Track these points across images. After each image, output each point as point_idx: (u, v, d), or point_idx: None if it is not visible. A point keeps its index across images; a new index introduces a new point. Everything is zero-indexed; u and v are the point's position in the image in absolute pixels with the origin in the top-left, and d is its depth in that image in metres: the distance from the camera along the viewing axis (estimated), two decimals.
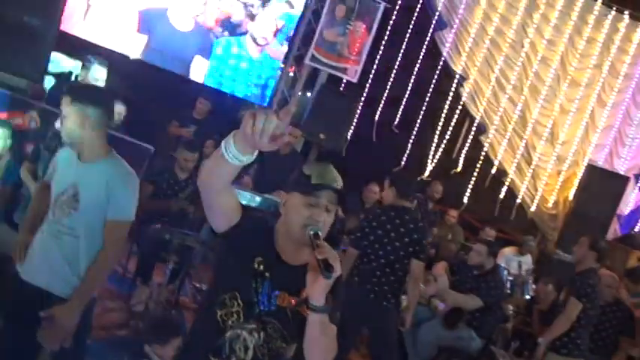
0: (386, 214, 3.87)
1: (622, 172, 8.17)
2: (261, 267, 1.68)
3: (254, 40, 7.02)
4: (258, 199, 5.07)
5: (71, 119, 2.42)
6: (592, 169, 7.78)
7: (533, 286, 6.44)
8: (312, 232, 1.61)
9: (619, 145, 8.30)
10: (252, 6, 6.89)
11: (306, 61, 7.17)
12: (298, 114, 7.03)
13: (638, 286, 4.79)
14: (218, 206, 1.67)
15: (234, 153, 1.43)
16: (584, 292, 4.15)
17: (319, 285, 1.55)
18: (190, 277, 4.90)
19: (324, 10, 7.01)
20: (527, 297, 6.25)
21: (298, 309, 1.67)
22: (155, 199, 4.52)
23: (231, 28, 6.93)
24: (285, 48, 7.21)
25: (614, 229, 8.17)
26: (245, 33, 7.00)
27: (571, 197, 8.03)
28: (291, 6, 7.10)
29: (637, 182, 8.36)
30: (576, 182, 8.08)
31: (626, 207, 8.31)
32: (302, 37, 7.29)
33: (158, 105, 6.24)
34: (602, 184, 7.62)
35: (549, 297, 6.12)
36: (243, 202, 4.84)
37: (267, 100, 7.28)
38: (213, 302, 1.72)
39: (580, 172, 8.08)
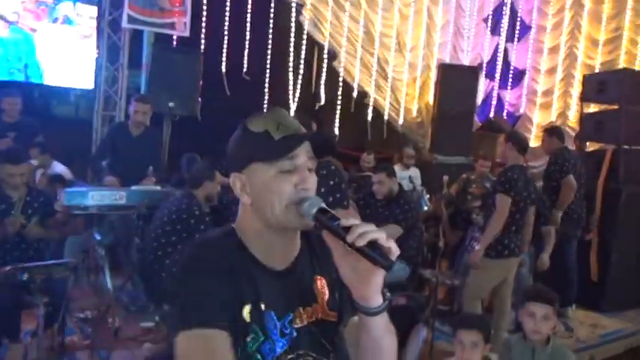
0: None
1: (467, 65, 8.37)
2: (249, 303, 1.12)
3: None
4: (123, 193, 4.22)
5: None
6: (444, 68, 7.83)
7: (427, 196, 6.38)
8: (314, 211, 1.07)
9: (459, 38, 8.45)
10: None
11: (124, 24, 6.11)
12: (135, 85, 6.04)
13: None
14: None
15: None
16: (509, 185, 3.99)
17: (375, 281, 1.07)
18: (70, 311, 3.96)
19: None
20: (425, 208, 6.14)
21: (324, 317, 1.21)
22: None
23: None
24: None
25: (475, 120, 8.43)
26: None
27: (431, 101, 8.07)
28: None
29: (481, 72, 8.65)
30: (432, 85, 8.12)
31: (478, 97, 8.59)
32: None
33: None
34: (456, 80, 7.72)
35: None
36: (107, 203, 4.02)
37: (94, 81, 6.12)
38: None
39: (433, 74, 8.12)
